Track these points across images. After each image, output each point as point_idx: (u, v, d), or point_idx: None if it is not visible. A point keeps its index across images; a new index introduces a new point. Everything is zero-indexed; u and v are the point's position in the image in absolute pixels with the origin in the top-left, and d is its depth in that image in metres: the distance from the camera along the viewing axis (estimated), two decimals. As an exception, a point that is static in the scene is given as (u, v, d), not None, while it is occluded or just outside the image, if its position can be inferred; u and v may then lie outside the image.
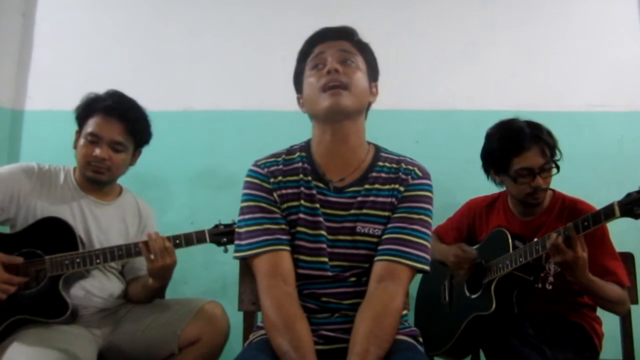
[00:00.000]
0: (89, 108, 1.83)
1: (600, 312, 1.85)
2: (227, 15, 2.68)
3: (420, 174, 1.35)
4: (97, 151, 1.78)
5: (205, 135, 2.60)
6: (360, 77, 1.32)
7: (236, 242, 1.34)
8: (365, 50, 1.38)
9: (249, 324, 1.79)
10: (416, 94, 2.58)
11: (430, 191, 1.35)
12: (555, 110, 2.46)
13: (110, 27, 2.71)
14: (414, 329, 1.37)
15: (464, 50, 2.60)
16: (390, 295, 1.23)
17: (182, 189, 2.58)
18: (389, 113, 2.52)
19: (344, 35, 1.36)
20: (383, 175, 1.35)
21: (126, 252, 1.73)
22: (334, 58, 1.30)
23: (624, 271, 1.77)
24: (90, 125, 1.80)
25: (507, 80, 2.57)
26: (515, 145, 1.78)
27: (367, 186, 1.34)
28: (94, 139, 1.79)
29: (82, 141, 1.81)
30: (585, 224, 1.55)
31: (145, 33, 2.69)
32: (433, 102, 2.57)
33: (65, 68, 2.62)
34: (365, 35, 1.40)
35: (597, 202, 1.75)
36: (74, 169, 1.87)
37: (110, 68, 2.62)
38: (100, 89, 1.88)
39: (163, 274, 1.73)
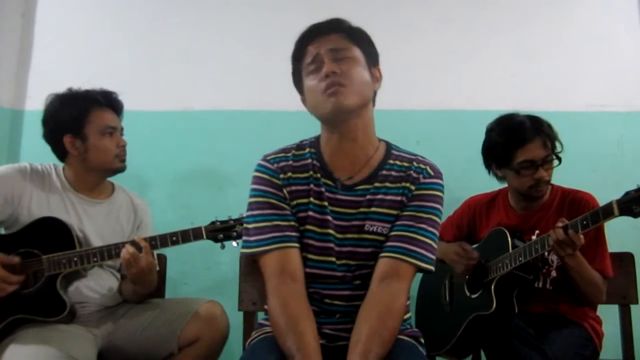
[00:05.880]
0: (83, 107, 1.81)
1: (600, 312, 1.85)
2: (227, 15, 2.68)
3: (432, 173, 1.32)
4: (123, 140, 1.87)
5: (205, 135, 2.60)
6: (358, 71, 1.28)
7: (244, 238, 1.33)
8: (359, 38, 1.34)
9: (249, 324, 1.79)
10: (416, 94, 2.58)
11: (441, 191, 1.33)
12: (555, 110, 2.45)
13: (110, 27, 2.71)
14: (416, 329, 1.37)
15: (464, 50, 2.60)
16: (393, 295, 1.22)
17: (182, 189, 2.57)
18: (389, 113, 2.51)
19: (334, 28, 1.32)
20: (393, 173, 1.32)
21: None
22: (329, 58, 1.27)
23: (609, 263, 1.78)
24: (101, 120, 1.82)
25: (507, 80, 2.57)
26: (517, 138, 1.79)
27: (377, 184, 1.31)
28: (111, 130, 1.83)
29: (97, 138, 1.81)
30: (585, 222, 1.57)
31: (145, 33, 2.69)
32: (433, 102, 2.57)
33: (65, 68, 2.62)
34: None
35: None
36: (63, 168, 1.86)
37: (110, 68, 2.62)
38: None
39: (143, 278, 1.70)
